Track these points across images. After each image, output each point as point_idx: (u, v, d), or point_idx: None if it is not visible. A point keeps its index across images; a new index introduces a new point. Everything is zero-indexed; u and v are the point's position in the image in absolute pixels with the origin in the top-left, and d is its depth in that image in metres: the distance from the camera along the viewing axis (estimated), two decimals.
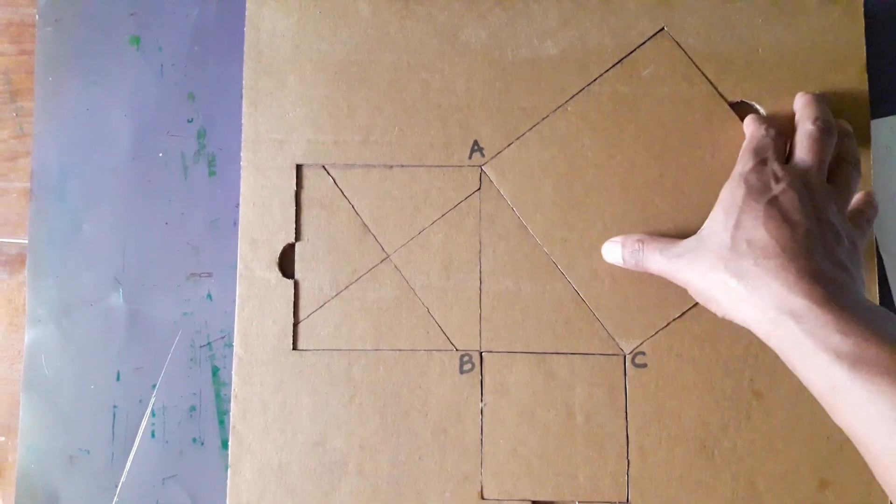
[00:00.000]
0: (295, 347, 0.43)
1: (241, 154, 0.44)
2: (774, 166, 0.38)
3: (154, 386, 0.44)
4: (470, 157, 0.44)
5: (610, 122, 0.44)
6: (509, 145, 0.44)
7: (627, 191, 0.43)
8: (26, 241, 0.46)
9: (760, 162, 0.38)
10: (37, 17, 0.47)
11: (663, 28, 0.44)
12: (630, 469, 0.41)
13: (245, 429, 0.42)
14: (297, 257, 0.43)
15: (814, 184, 0.38)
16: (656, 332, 0.42)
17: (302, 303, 0.43)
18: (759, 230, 0.36)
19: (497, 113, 0.44)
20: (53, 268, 0.45)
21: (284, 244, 0.43)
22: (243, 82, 0.44)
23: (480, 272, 0.43)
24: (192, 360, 0.45)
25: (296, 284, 0.43)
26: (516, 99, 0.44)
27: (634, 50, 0.44)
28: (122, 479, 0.44)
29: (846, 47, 0.44)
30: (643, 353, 0.42)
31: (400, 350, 0.43)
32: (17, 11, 0.48)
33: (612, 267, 0.43)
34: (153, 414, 0.44)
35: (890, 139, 0.44)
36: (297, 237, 0.43)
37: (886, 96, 0.45)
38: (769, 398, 0.42)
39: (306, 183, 0.44)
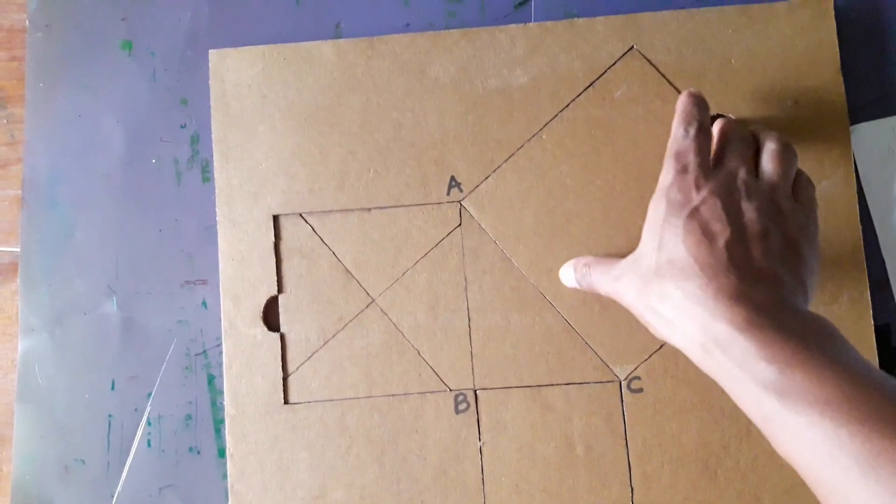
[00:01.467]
0: (286, 402, 0.42)
1: (216, 209, 0.43)
2: (695, 173, 0.35)
3: (149, 395, 0.44)
4: (448, 193, 0.43)
5: (586, 147, 0.43)
6: (487, 178, 0.43)
7: (609, 216, 0.43)
8: (18, 250, 0.46)
9: (681, 170, 0.35)
10: (27, 22, 0.47)
11: (633, 47, 0.44)
12: (634, 496, 0.41)
13: (244, 488, 0.42)
14: (280, 310, 0.43)
15: (738, 184, 0.35)
16: (650, 356, 0.42)
17: (290, 355, 0.42)
18: (678, 248, 0.34)
19: (472, 146, 0.43)
20: (46, 276, 0.45)
21: (267, 297, 0.43)
22: (212, 135, 0.44)
23: (468, 309, 0.43)
24: (187, 368, 0.44)
25: (282, 338, 0.43)
26: (490, 131, 0.43)
27: (605, 71, 0.43)
28: (118, 488, 0.43)
29: (819, 50, 0.43)
30: (638, 378, 0.42)
31: (393, 395, 0.42)
32: (6, 17, 0.48)
33: (600, 306, 0.42)
34: (149, 423, 0.44)
35: (891, 140, 0.44)
36: (280, 289, 0.43)
37: (885, 97, 0.45)
38: None
39: (284, 233, 0.43)
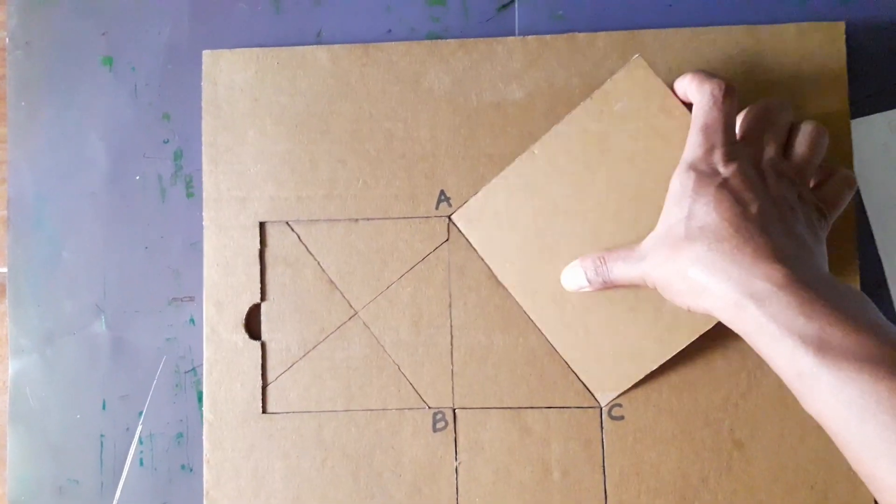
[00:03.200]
0: (265, 411, 0.42)
1: (203, 213, 0.43)
2: (723, 150, 0.36)
3: (140, 413, 0.44)
4: (437, 208, 0.43)
5: (580, 164, 0.42)
6: (477, 193, 0.43)
7: (599, 238, 0.42)
8: (6, 270, 0.46)
9: (709, 148, 0.36)
10: (7, 40, 0.46)
11: (638, 56, 0.42)
12: None
13: (219, 495, 0.42)
14: (263, 318, 0.43)
15: (765, 162, 0.36)
16: (633, 386, 0.41)
17: (270, 364, 0.42)
18: (710, 215, 0.34)
19: (463, 161, 0.43)
20: (34, 296, 0.45)
21: (250, 305, 0.43)
22: (202, 138, 0.43)
23: (451, 326, 0.42)
24: (177, 385, 0.44)
25: (263, 346, 0.42)
26: (482, 145, 0.43)
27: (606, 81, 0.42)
28: None
29: (827, 77, 0.42)
30: (620, 406, 0.41)
31: (371, 410, 0.42)
32: None
33: (586, 317, 0.42)
34: (140, 441, 0.44)
35: (887, 136, 0.42)
36: (263, 297, 0.43)
37: (877, 91, 0.44)
38: (750, 447, 0.41)
39: (270, 240, 0.43)
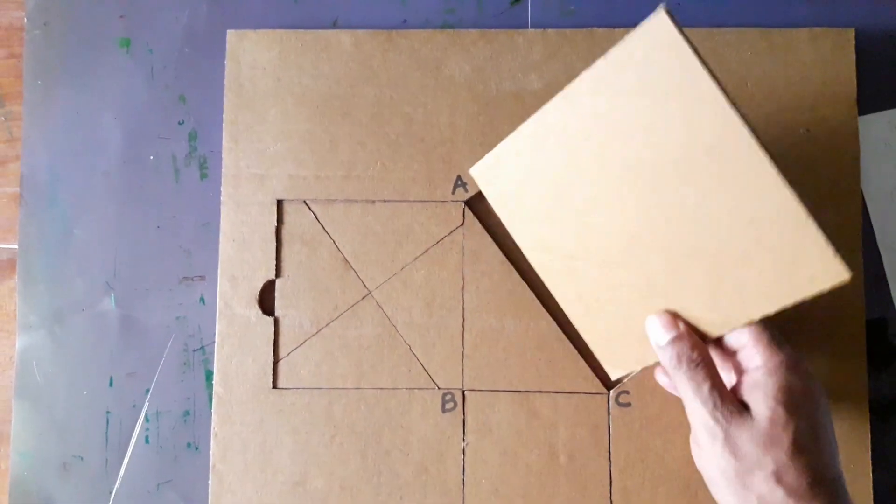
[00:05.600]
0: (275, 386, 0.42)
1: (222, 189, 0.43)
2: (723, 427, 0.34)
3: (147, 391, 0.44)
4: (453, 192, 0.43)
5: (592, 131, 0.42)
6: (493, 149, 0.43)
7: (615, 202, 0.43)
8: (16, 247, 0.46)
9: (711, 437, 0.34)
10: (25, 20, 0.47)
11: (662, 8, 0.43)
12: None
13: (225, 468, 0.42)
14: (277, 294, 0.43)
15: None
16: (640, 373, 0.42)
17: (282, 340, 0.43)
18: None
19: (481, 147, 0.43)
20: (44, 273, 0.45)
21: (265, 281, 0.43)
22: (223, 116, 0.44)
23: (463, 309, 0.43)
24: (185, 364, 0.44)
25: (276, 322, 0.43)
26: (500, 133, 0.43)
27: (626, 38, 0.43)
28: (117, 485, 0.44)
29: (837, 82, 0.43)
30: (627, 392, 0.42)
31: (381, 388, 0.42)
32: (5, 15, 0.48)
33: (598, 290, 0.42)
34: (147, 419, 0.44)
35: (888, 134, 0.44)
36: (278, 273, 0.43)
37: (880, 91, 0.45)
38: None
39: (287, 218, 0.43)
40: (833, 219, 0.42)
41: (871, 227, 0.44)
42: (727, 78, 0.43)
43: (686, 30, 0.42)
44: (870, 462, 0.41)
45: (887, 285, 0.44)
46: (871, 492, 0.41)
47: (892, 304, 0.44)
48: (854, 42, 0.43)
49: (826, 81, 0.43)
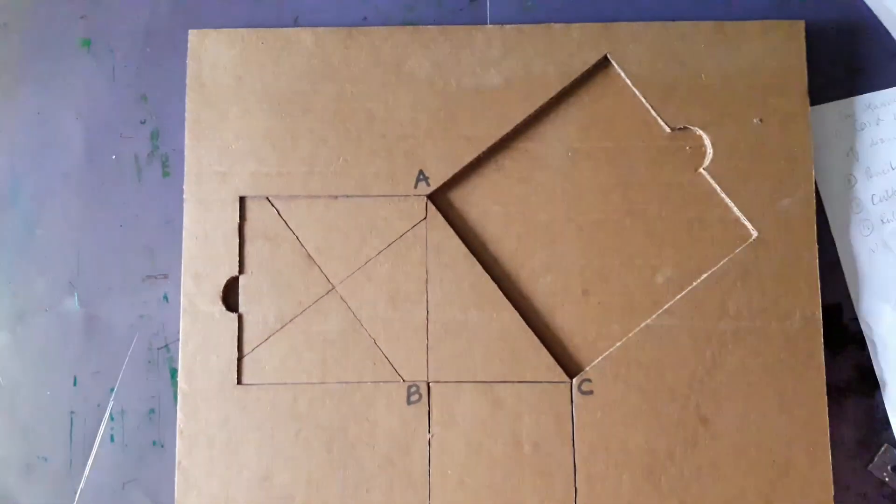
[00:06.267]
0: (240, 382, 0.42)
1: (184, 187, 0.44)
2: None
3: (112, 390, 0.44)
4: (415, 187, 0.44)
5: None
6: (455, 174, 0.44)
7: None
8: None
9: None
10: None
11: (606, 56, 0.44)
12: (577, 497, 0.41)
13: (190, 464, 0.42)
14: (241, 290, 0.43)
15: None
16: (602, 358, 0.42)
17: (246, 336, 0.43)
18: None
19: (442, 142, 0.44)
20: (6, 274, 0.45)
21: (228, 277, 0.43)
22: (186, 114, 0.44)
23: (427, 302, 0.43)
24: (150, 362, 0.44)
25: (240, 318, 0.43)
26: (461, 128, 0.44)
27: (576, 78, 0.44)
28: (81, 485, 0.43)
29: (788, 73, 0.44)
30: (589, 381, 0.42)
31: (346, 382, 0.42)
32: None
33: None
34: (112, 418, 0.44)
35: (839, 123, 0.45)
36: (241, 270, 0.43)
37: (831, 82, 0.46)
38: (715, 423, 0.42)
39: (250, 215, 0.44)
40: (788, 207, 0.43)
41: (825, 214, 0.45)
42: (682, 70, 0.44)
43: (641, 24, 0.44)
44: (828, 444, 0.42)
45: (841, 272, 0.45)
46: (830, 474, 0.41)
47: (847, 290, 0.45)
48: (804, 34, 0.44)
49: (778, 72, 0.44)
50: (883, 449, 0.44)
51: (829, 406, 0.42)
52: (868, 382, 0.44)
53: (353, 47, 0.45)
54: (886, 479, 0.43)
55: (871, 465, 0.44)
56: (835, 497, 0.41)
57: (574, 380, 0.42)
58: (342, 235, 0.43)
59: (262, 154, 0.44)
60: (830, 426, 0.42)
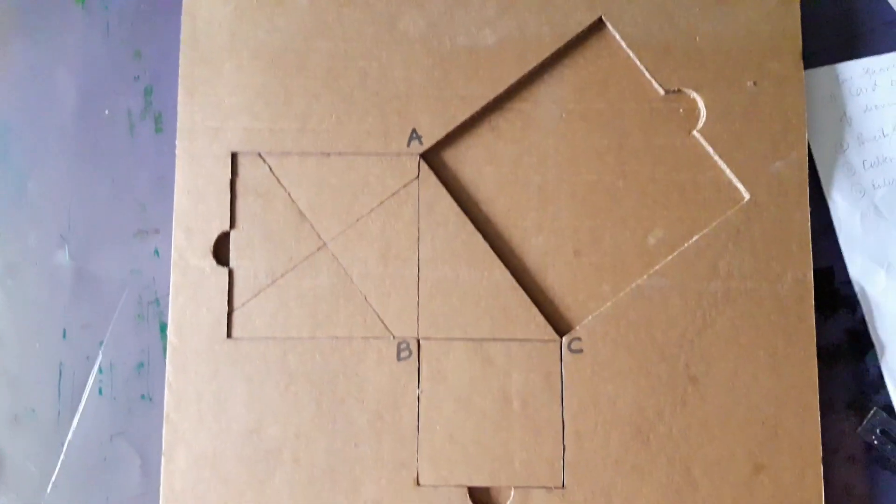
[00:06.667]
0: (229, 336, 0.42)
1: (177, 142, 0.44)
2: None
3: (101, 343, 0.44)
4: (408, 145, 0.44)
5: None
6: (448, 133, 0.44)
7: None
8: None
9: None
10: None
11: (600, 18, 0.44)
12: (566, 454, 0.41)
13: (179, 417, 0.42)
14: (231, 245, 0.43)
15: None
16: (592, 317, 0.42)
17: (237, 291, 0.43)
18: None
19: (435, 101, 0.44)
20: None
21: (219, 232, 0.43)
22: (179, 70, 0.44)
23: (419, 259, 0.43)
24: (139, 316, 0.44)
25: (230, 273, 0.43)
26: (454, 87, 0.44)
27: (571, 40, 0.44)
28: (69, 437, 0.43)
29: (783, 36, 0.44)
30: (579, 339, 0.42)
31: (336, 338, 0.42)
32: None
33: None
34: (100, 371, 0.44)
35: (833, 88, 0.45)
36: (233, 225, 0.43)
37: (827, 47, 0.46)
38: (704, 383, 0.42)
39: (242, 171, 0.44)
40: (781, 169, 0.43)
41: (818, 178, 0.45)
42: (676, 33, 0.44)
43: None
44: (818, 407, 0.42)
45: (834, 235, 0.45)
46: (819, 436, 0.41)
47: (839, 254, 0.45)
48: None
49: (772, 36, 0.44)
50: (872, 412, 0.44)
51: (819, 369, 0.42)
52: (859, 346, 0.44)
53: (348, 5, 0.45)
54: (875, 442, 0.43)
55: (859, 429, 0.44)
56: (823, 459, 0.41)
57: (564, 338, 0.42)
58: (334, 192, 0.43)
59: (254, 110, 0.44)
60: (820, 389, 0.42)
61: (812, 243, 0.43)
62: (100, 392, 0.44)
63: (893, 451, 0.43)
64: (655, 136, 0.44)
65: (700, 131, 0.44)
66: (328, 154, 0.44)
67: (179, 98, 0.44)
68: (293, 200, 0.43)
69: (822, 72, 0.45)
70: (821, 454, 0.41)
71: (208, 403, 0.42)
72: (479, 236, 0.43)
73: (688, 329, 0.42)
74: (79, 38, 0.46)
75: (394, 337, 0.42)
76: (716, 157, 0.44)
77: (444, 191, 0.43)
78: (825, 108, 0.45)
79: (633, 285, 0.43)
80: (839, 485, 0.43)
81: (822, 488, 0.41)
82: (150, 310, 0.44)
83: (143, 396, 0.44)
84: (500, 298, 0.43)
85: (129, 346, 0.44)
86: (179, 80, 0.44)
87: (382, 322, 0.43)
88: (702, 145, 0.44)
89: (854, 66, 0.45)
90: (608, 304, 0.42)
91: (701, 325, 0.42)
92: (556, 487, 0.41)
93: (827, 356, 0.44)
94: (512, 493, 0.41)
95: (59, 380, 0.44)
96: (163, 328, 0.44)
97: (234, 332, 0.42)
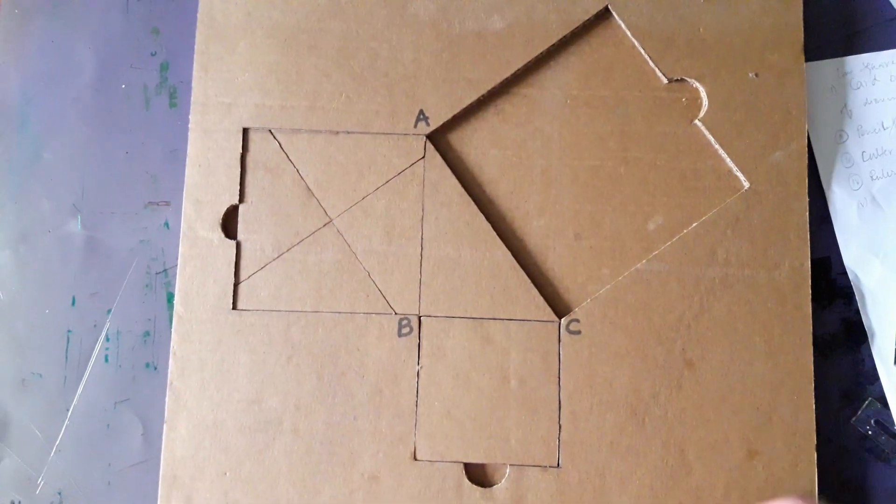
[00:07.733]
0: (235, 307, 0.43)
1: (190, 117, 0.45)
2: None
3: (109, 311, 0.45)
4: (415, 126, 0.45)
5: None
6: (454, 115, 0.45)
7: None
8: None
9: None
10: None
11: (607, 6, 0.45)
12: (561, 434, 0.42)
13: (182, 385, 0.42)
14: (240, 219, 0.44)
15: None
16: (590, 299, 0.43)
17: (243, 263, 0.44)
18: None
19: (443, 83, 0.45)
20: (13, 195, 0.46)
21: (228, 206, 0.44)
22: (195, 46, 0.45)
23: (422, 238, 0.44)
24: (147, 286, 0.45)
25: (238, 245, 0.44)
26: (462, 70, 0.45)
27: (577, 27, 0.45)
28: (74, 402, 0.44)
29: (785, 29, 0.45)
30: (577, 321, 0.43)
31: (339, 312, 0.43)
32: None
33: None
34: (107, 338, 0.45)
35: (834, 80, 0.46)
36: (241, 199, 0.44)
37: (829, 41, 0.47)
38: (700, 367, 0.42)
39: (252, 146, 0.45)
40: (781, 159, 0.44)
41: (817, 169, 0.46)
42: (680, 23, 0.45)
43: None
44: (813, 396, 0.42)
45: (830, 226, 0.45)
46: (814, 424, 0.42)
47: (835, 245, 0.45)
48: None
49: (775, 28, 0.45)
50: (867, 403, 0.44)
51: (814, 359, 0.42)
52: (854, 337, 0.45)
53: None
54: (869, 432, 0.44)
55: (854, 419, 0.44)
56: (817, 448, 0.42)
57: (562, 320, 0.43)
58: (341, 170, 0.44)
59: (266, 87, 0.45)
60: (815, 379, 0.42)
61: (810, 233, 0.43)
62: (106, 359, 0.44)
63: (887, 441, 0.44)
64: (658, 124, 0.45)
65: (702, 120, 0.45)
66: (337, 132, 0.45)
67: (194, 74, 0.45)
68: (301, 177, 0.44)
69: (822, 65, 0.46)
70: (815, 442, 0.42)
71: (211, 373, 0.42)
72: (481, 217, 0.44)
73: (685, 314, 0.43)
74: (99, 15, 0.47)
75: (395, 313, 0.43)
76: (716, 146, 0.44)
77: (448, 171, 0.44)
78: (825, 99, 0.46)
79: (632, 269, 0.43)
80: (833, 474, 0.43)
81: (816, 476, 0.41)
82: (157, 280, 0.45)
83: (147, 365, 0.44)
84: (501, 279, 0.43)
85: (137, 316, 0.45)
86: (195, 56, 0.45)
87: (385, 298, 0.43)
88: (703, 134, 0.45)
89: (854, 61, 0.46)
90: (607, 287, 0.43)
91: (698, 311, 0.43)
92: (551, 466, 0.42)
93: (822, 346, 0.44)
94: (507, 470, 0.42)
95: (67, 346, 0.45)
96: (170, 298, 0.45)
97: (240, 304, 0.43)
